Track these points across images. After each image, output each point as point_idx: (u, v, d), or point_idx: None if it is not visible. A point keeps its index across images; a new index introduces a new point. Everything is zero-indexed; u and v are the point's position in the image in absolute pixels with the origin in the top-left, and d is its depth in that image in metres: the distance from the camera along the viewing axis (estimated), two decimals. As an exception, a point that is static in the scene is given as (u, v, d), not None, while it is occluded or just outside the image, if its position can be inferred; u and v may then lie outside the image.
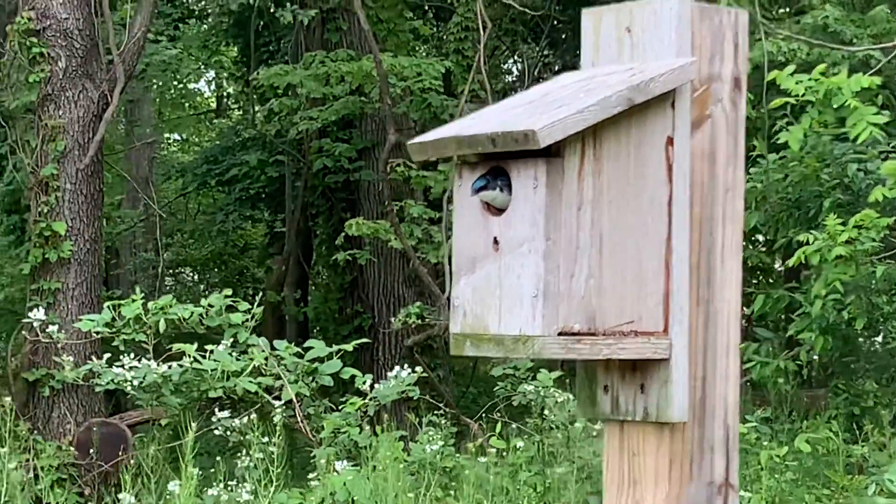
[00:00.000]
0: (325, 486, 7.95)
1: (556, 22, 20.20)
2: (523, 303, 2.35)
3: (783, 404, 12.67)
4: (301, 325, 19.52)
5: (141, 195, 20.89)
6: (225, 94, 29.12)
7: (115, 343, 9.08)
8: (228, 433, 8.37)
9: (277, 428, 7.92)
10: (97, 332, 9.06)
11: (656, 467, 2.48)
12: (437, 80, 15.01)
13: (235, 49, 23.25)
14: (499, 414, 9.77)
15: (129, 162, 22.87)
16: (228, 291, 9.05)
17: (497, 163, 2.39)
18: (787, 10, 17.70)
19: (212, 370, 8.23)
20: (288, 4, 15.24)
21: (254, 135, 20.36)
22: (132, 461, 9.15)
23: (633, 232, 2.41)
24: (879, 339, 11.67)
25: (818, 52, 12.64)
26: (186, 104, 28.21)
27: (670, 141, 2.43)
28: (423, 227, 14.83)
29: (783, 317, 14.37)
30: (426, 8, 18.78)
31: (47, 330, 10.47)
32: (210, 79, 28.58)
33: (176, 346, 8.62)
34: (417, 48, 16.27)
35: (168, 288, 24.57)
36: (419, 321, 12.32)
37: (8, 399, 9.78)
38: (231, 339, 8.61)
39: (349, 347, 8.67)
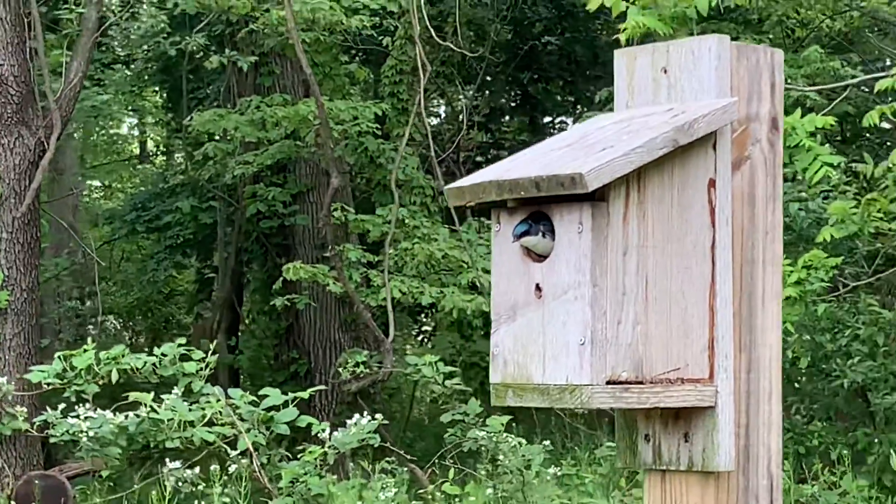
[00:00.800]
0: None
1: (495, 67, 20.28)
2: (570, 351, 2.28)
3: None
4: (233, 371, 19.28)
5: (67, 242, 20.60)
6: (149, 138, 28.87)
7: (66, 394, 8.88)
8: (180, 484, 8.21)
9: (236, 478, 7.77)
10: (48, 384, 8.87)
11: (702, 518, 2.42)
12: (373, 123, 14.96)
13: (162, 94, 23.03)
14: (451, 460, 9.68)
15: (51, 209, 22.57)
16: (182, 340, 8.91)
17: (538, 207, 2.33)
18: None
19: (168, 420, 8.08)
20: (225, 50, 15.13)
21: (182, 180, 20.14)
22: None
23: (678, 277, 2.35)
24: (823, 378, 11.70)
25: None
26: (110, 150, 27.91)
27: (712, 183, 2.38)
28: (360, 271, 14.72)
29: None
30: (354, 53, 18.73)
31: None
32: (133, 124, 28.33)
33: (133, 395, 8.45)
34: (353, 92, 16.19)
35: (92, 337, 24.21)
36: (367, 370, 12.19)
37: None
38: (183, 388, 8.46)
39: (305, 395, 8.56)
